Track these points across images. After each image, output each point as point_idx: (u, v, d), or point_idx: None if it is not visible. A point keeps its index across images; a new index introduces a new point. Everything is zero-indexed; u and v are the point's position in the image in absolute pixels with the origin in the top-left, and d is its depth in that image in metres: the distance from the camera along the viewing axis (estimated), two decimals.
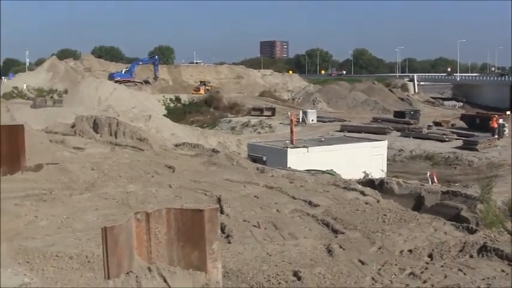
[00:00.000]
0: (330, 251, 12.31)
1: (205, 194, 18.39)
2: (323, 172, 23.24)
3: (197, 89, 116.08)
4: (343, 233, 13.71)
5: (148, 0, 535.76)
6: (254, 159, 30.83)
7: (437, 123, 73.96)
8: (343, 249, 12.46)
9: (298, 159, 32.95)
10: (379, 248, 12.48)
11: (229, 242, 13.22)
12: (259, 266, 11.44)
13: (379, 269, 11.13)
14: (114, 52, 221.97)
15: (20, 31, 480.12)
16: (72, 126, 34.35)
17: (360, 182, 21.01)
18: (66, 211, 16.55)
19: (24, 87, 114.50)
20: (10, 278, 6.87)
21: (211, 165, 24.16)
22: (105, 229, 6.95)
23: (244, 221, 15.25)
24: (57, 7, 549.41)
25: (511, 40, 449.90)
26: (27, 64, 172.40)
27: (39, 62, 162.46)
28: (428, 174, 34.62)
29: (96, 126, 32.89)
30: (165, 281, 7.94)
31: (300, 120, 73.52)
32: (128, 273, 7.79)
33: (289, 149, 35.71)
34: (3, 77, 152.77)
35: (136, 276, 7.80)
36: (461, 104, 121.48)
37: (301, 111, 79.55)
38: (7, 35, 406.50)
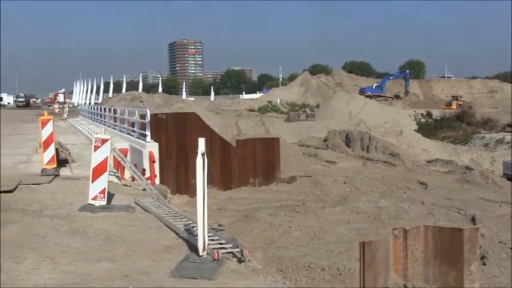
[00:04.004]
0: None
1: (459, 213, 17.97)
2: None
3: (449, 104, 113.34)
4: None
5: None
6: (510, 178, 29.49)
7: None
8: None
9: None
10: None
11: (483, 264, 12.78)
12: None
13: None
14: (365, 67, 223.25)
15: (273, 48, 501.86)
16: (325, 140, 35.16)
17: None
18: (319, 223, 16.95)
19: (278, 102, 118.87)
20: (270, 285, 7.12)
21: (464, 182, 23.57)
22: (363, 244, 6.98)
23: (501, 242, 14.69)
24: (321, 22, 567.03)
25: None
26: (280, 79, 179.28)
27: (292, 78, 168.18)
28: None
29: (348, 140, 33.38)
30: None
31: None
32: None
33: None
34: (257, 92, 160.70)
35: None
36: None
37: None
38: (261, 53, 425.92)
